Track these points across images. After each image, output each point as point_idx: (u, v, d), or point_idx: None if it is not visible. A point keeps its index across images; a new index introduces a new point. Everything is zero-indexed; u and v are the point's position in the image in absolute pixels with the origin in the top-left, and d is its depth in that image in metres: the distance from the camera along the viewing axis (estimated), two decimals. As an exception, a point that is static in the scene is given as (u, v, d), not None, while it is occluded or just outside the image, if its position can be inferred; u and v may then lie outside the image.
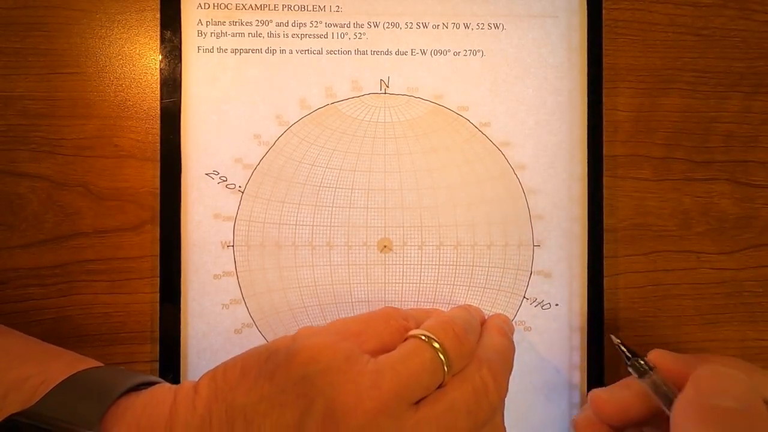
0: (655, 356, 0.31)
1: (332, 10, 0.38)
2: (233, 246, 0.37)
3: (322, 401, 0.26)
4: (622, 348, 0.31)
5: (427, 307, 0.38)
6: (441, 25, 0.38)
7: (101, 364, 0.30)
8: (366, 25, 0.38)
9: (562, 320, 0.38)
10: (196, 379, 0.28)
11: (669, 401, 0.28)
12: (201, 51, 0.37)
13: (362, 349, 0.28)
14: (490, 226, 0.38)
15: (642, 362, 0.30)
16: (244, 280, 0.37)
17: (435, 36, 0.38)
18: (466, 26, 0.38)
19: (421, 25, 0.38)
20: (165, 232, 0.37)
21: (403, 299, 0.38)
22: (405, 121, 0.38)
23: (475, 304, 0.38)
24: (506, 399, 0.38)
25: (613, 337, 0.32)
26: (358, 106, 0.38)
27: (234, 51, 0.37)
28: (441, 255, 0.38)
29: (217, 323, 0.37)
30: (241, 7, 0.38)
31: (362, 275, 0.37)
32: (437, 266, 0.38)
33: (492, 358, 0.30)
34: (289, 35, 0.38)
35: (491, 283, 0.38)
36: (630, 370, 0.30)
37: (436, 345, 0.28)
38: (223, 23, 0.37)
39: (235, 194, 0.37)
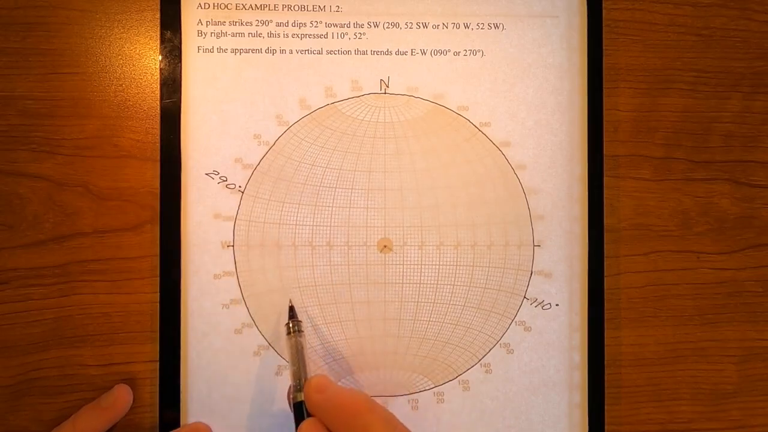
0: (307, 383, 0.32)
1: (332, 10, 0.38)
2: (233, 246, 0.37)
3: None
4: (290, 308, 0.36)
5: (428, 307, 0.38)
6: (441, 25, 0.38)
7: None
8: (366, 25, 0.38)
9: (562, 320, 0.38)
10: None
11: (296, 364, 0.34)
12: (201, 51, 0.37)
13: None
14: (491, 226, 0.38)
15: (293, 325, 0.35)
16: (244, 280, 0.37)
17: (435, 36, 0.38)
18: (466, 26, 0.38)
19: (421, 25, 0.38)
20: (165, 232, 0.37)
21: (403, 299, 0.38)
22: (405, 121, 0.38)
23: (475, 304, 0.38)
24: (507, 398, 0.38)
25: (291, 299, 0.37)
26: (358, 106, 0.38)
27: (234, 51, 0.37)
28: (441, 255, 0.38)
29: (217, 323, 0.37)
30: (241, 7, 0.38)
31: (362, 275, 0.37)
32: (437, 266, 0.38)
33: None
34: (289, 35, 0.38)
35: (491, 283, 0.38)
36: (285, 327, 0.36)
37: None
38: (223, 23, 0.37)
39: (235, 194, 0.37)
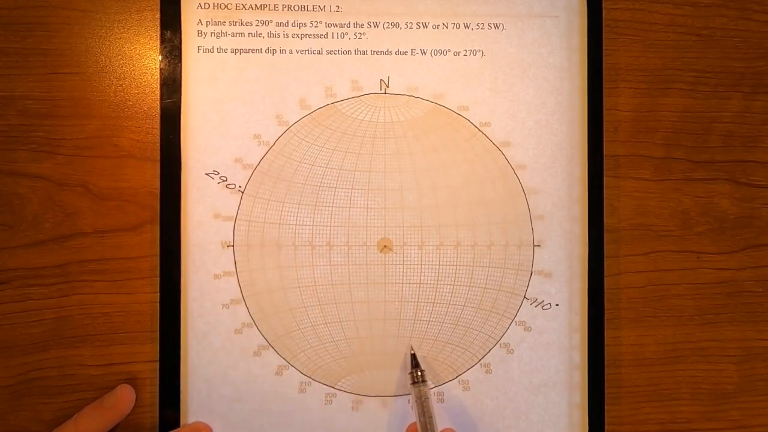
0: None
1: (332, 10, 0.38)
2: (233, 246, 0.37)
3: None
4: (412, 357, 0.37)
5: (428, 307, 0.38)
6: (441, 25, 0.38)
7: None
8: (366, 25, 0.38)
9: (562, 320, 0.38)
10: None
11: (424, 416, 0.34)
12: (201, 51, 0.37)
13: None
14: (491, 226, 0.38)
15: (419, 374, 0.36)
16: (244, 280, 0.37)
17: (435, 36, 0.38)
18: (466, 26, 0.38)
19: (421, 25, 0.38)
20: (165, 232, 0.37)
21: (403, 299, 0.38)
22: (405, 121, 0.38)
23: (475, 304, 0.38)
24: (507, 398, 0.38)
25: (411, 345, 0.37)
26: (358, 106, 0.38)
27: (234, 51, 0.37)
28: (441, 255, 0.38)
29: (217, 323, 0.37)
30: (241, 7, 0.38)
31: (362, 275, 0.37)
32: (437, 266, 0.38)
33: None
34: (289, 35, 0.38)
35: (491, 283, 0.38)
36: (409, 375, 0.36)
37: None
38: (223, 23, 0.37)
39: (235, 194, 0.37)
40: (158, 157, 0.37)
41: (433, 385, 0.37)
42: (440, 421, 0.37)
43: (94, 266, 0.37)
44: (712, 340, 0.40)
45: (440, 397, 0.38)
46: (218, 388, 0.37)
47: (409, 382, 0.36)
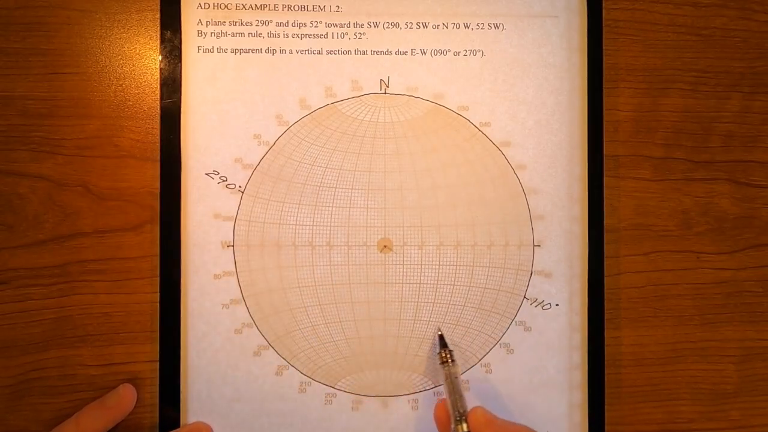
0: (472, 415, 0.33)
1: (332, 10, 0.38)
2: (233, 246, 0.37)
3: None
4: (440, 337, 0.37)
5: (428, 307, 0.38)
6: (441, 25, 0.38)
7: None
8: (366, 25, 0.38)
9: (562, 320, 0.38)
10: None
11: (453, 395, 0.34)
12: (201, 51, 0.37)
13: None
14: (491, 226, 0.38)
15: (446, 354, 0.36)
16: (244, 280, 0.37)
17: (435, 36, 0.38)
18: (466, 26, 0.38)
19: (421, 25, 0.38)
20: (165, 232, 0.37)
21: (403, 299, 0.38)
22: (405, 121, 0.38)
23: (475, 304, 0.38)
24: (507, 398, 0.38)
25: (439, 328, 0.37)
26: (358, 106, 0.38)
27: (234, 51, 0.37)
28: (441, 255, 0.38)
29: (217, 323, 0.37)
30: (241, 7, 0.38)
31: (362, 275, 0.37)
32: (437, 266, 0.38)
33: None
34: (289, 35, 0.38)
35: (491, 283, 0.38)
36: (436, 356, 0.36)
37: None
38: (223, 23, 0.37)
39: (235, 194, 0.37)
40: (158, 157, 0.37)
41: (459, 369, 0.37)
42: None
43: (94, 266, 0.37)
44: (712, 340, 0.40)
45: (440, 397, 0.37)
46: (218, 388, 0.37)
47: (438, 362, 0.36)
